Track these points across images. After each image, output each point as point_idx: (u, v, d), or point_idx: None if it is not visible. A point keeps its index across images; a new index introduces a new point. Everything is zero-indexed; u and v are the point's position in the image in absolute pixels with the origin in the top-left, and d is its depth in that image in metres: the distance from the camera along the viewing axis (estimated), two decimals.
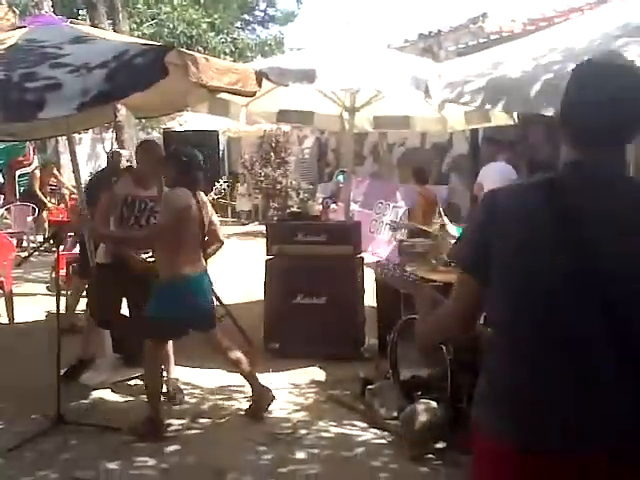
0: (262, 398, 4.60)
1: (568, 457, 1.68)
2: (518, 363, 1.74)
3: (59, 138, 12.26)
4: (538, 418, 1.70)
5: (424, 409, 4.19)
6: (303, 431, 4.40)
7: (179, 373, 5.15)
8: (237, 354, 4.58)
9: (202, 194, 4.53)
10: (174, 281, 4.29)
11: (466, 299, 1.85)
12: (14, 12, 14.37)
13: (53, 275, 7.61)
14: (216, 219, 4.75)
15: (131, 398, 5.02)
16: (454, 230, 6.20)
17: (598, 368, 1.65)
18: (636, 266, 1.63)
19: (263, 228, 6.31)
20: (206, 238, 4.56)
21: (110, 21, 8.57)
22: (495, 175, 8.12)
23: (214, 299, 4.68)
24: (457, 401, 4.08)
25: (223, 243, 4.84)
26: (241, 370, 4.60)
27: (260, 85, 5.07)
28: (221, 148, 15.45)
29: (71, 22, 5.53)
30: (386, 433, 4.35)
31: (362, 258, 6.06)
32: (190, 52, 4.89)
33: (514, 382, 1.74)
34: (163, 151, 5.13)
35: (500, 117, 6.63)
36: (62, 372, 4.74)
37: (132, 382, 5.23)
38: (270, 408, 4.68)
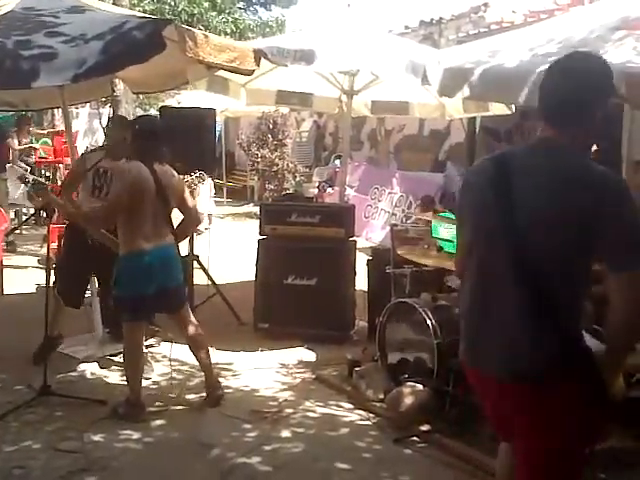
0: (213, 392, 4.49)
1: (480, 374, 2.32)
2: (465, 295, 2.34)
3: (56, 111, 12.19)
4: (465, 340, 2.36)
5: (410, 392, 4.23)
6: (289, 410, 4.42)
7: (167, 350, 5.15)
8: (202, 339, 4.48)
9: (168, 167, 4.34)
10: (131, 256, 4.18)
11: (458, 248, 2.48)
12: None
13: (44, 248, 7.58)
14: (188, 195, 4.55)
15: (117, 373, 5.01)
16: (448, 217, 6.22)
17: (504, 302, 2.15)
18: (542, 226, 2.07)
19: (257, 209, 6.28)
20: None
21: None
22: None
23: (182, 276, 4.51)
24: (443, 384, 4.11)
25: (198, 220, 4.70)
26: (200, 356, 4.49)
27: (258, 64, 5.06)
28: (218, 128, 15.37)
29: None
30: (371, 415, 4.37)
31: (354, 241, 6.05)
32: (188, 27, 4.87)
33: (462, 310, 2.39)
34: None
35: (498, 106, 6.63)
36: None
37: (119, 357, 5.22)
38: (257, 386, 4.70)
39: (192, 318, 4.48)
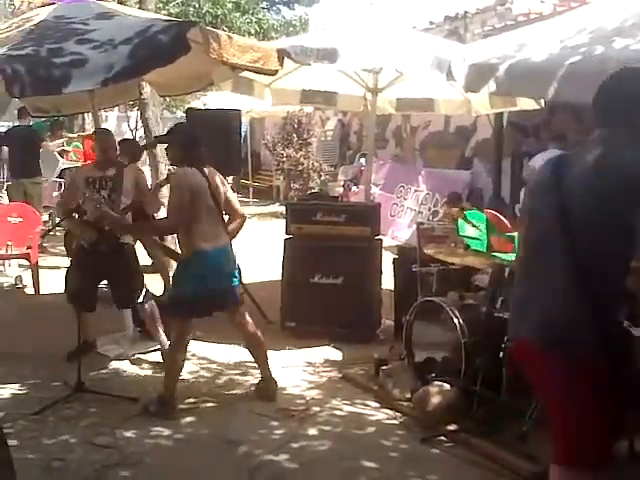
0: (268, 386, 4.61)
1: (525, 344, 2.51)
2: (518, 277, 2.59)
3: (85, 115, 12.39)
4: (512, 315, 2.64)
5: (437, 391, 4.21)
6: (316, 408, 4.44)
7: (196, 348, 5.23)
8: (259, 337, 4.61)
9: (212, 169, 4.46)
10: (191, 258, 4.31)
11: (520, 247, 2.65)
12: None
13: None
14: (231, 194, 4.69)
15: (148, 371, 5.13)
16: (475, 214, 6.19)
17: (552, 279, 2.34)
18: (591, 223, 2.23)
19: (283, 209, 6.33)
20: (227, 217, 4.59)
21: (137, 0, 8.59)
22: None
23: (238, 275, 4.61)
24: (471, 384, 4.10)
25: (245, 217, 4.79)
26: (257, 354, 4.62)
27: (282, 64, 5.09)
28: (244, 128, 15.47)
29: None
30: (398, 414, 4.37)
31: (380, 240, 6.06)
32: (212, 29, 4.92)
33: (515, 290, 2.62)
34: (114, 140, 5.32)
35: (526, 101, 6.57)
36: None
37: (150, 355, 5.33)
38: (284, 385, 4.74)
39: (247, 317, 4.58)
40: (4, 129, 10.91)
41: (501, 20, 10.19)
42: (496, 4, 10.73)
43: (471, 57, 4.69)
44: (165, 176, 5.57)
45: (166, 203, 4.50)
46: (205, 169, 4.37)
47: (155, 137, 5.74)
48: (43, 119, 9.81)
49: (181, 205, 4.24)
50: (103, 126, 6.32)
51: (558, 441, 2.43)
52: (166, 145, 4.60)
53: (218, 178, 4.46)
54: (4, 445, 3.12)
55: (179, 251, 4.67)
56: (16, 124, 10.39)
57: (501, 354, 3.93)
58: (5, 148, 10.21)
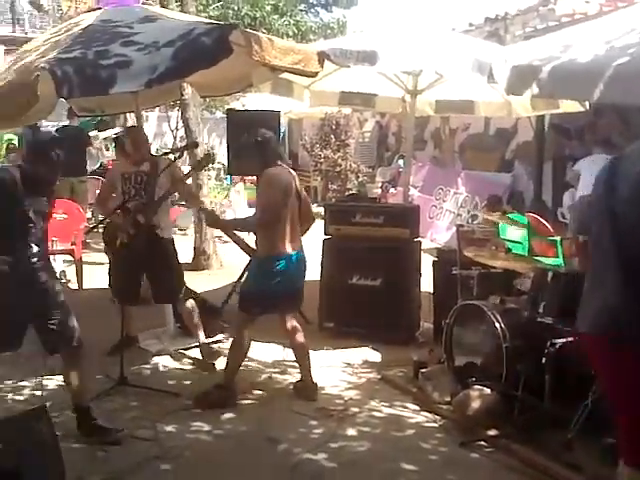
0: (307, 386, 4.65)
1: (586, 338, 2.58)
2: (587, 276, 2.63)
3: (127, 115, 12.57)
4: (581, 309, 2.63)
5: (477, 395, 4.19)
6: (355, 409, 4.45)
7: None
8: (305, 343, 4.68)
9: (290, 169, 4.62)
10: (270, 258, 4.40)
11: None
12: None
13: None
14: (306, 196, 4.82)
15: (188, 367, 5.21)
16: (516, 217, 6.12)
17: (606, 276, 2.42)
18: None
19: (321, 210, 6.35)
20: None
21: (178, 3, 8.69)
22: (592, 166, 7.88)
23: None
24: (512, 389, 4.05)
25: (314, 220, 4.84)
26: (301, 358, 4.68)
27: (322, 66, 5.10)
28: (282, 129, 15.56)
29: (142, 3, 5.68)
30: (437, 417, 4.35)
31: (419, 242, 6.03)
32: (253, 32, 4.96)
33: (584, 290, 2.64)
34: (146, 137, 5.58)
35: (568, 103, 6.47)
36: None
37: (190, 351, 5.39)
38: (323, 385, 4.76)
39: (295, 320, 4.68)
40: (52, 128, 11.17)
41: (543, 21, 10.04)
42: (538, 5, 10.57)
43: (513, 59, 4.63)
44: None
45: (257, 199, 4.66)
46: (290, 170, 4.54)
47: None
48: (88, 118, 10.00)
49: (273, 203, 4.35)
50: (144, 126, 6.44)
51: (628, 440, 2.42)
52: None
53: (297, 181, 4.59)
54: (53, 434, 3.21)
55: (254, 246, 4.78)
56: (65, 124, 10.66)
57: (543, 359, 3.89)
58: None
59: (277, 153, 4.57)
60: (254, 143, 4.56)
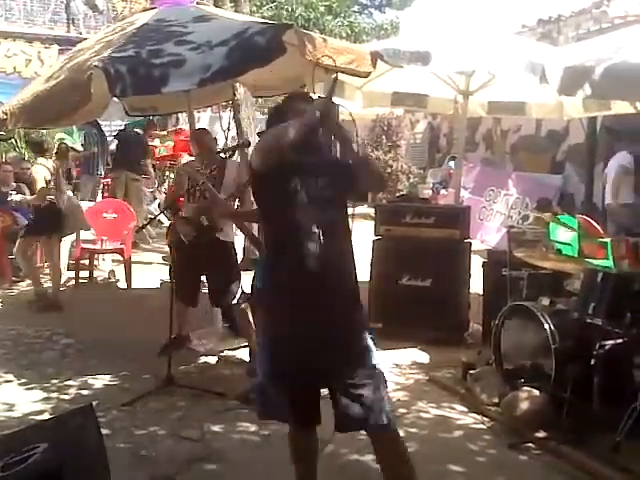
0: None
1: None
2: None
3: (179, 115, 12.80)
4: None
5: (526, 397, 4.15)
6: (402, 410, 4.42)
7: None
8: None
9: None
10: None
11: None
12: None
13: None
14: None
15: (236, 368, 5.21)
16: (567, 219, 6.03)
17: None
18: None
19: (371, 210, 6.35)
20: None
21: (232, 3, 8.78)
22: (614, 165, 7.77)
23: None
24: (561, 391, 4.00)
25: None
26: None
27: (375, 66, 5.10)
28: None
29: (197, 3, 5.75)
30: (486, 419, 4.31)
31: (469, 243, 5.98)
32: (307, 31, 4.98)
33: None
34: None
35: (621, 105, 6.35)
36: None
37: (238, 352, 5.43)
38: None
39: None
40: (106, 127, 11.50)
41: (597, 23, 9.88)
42: (591, 7, 10.40)
43: (566, 60, 4.58)
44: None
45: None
46: None
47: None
48: (139, 118, 10.24)
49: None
50: (197, 125, 6.52)
51: None
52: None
53: None
54: (99, 433, 3.26)
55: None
56: (121, 127, 10.99)
57: (593, 361, 3.83)
58: (114, 143, 10.80)
59: None
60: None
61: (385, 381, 2.82)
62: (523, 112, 7.48)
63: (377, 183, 2.68)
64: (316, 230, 2.66)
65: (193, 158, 5.88)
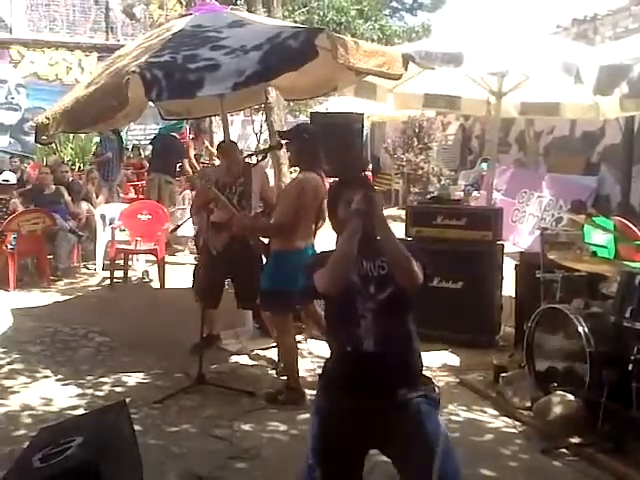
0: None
1: None
2: None
3: (212, 118, 12.93)
4: None
5: (559, 401, 4.11)
6: None
7: (313, 346, 5.33)
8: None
9: (322, 173, 4.58)
10: (287, 253, 4.42)
11: None
12: (181, 3, 15.38)
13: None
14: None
15: (266, 367, 5.26)
16: (602, 221, 5.96)
17: None
18: None
19: (402, 212, 6.34)
20: None
21: (265, 9, 8.84)
22: None
23: None
24: (596, 395, 3.95)
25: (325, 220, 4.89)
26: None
27: (406, 68, 5.09)
28: (365, 132, 15.60)
29: (231, 9, 5.82)
30: (517, 423, 4.28)
31: (502, 245, 5.93)
32: (339, 35, 5.00)
33: None
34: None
35: None
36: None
37: (267, 352, 5.46)
38: None
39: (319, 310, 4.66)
40: (139, 131, 11.68)
41: (635, 21, 9.71)
42: (630, 4, 10.21)
43: (601, 59, 4.53)
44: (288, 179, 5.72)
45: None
46: (322, 174, 4.52)
47: (277, 132, 5.86)
48: (174, 122, 10.40)
49: (296, 210, 4.37)
50: (230, 129, 6.57)
51: None
52: (286, 143, 4.72)
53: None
54: (132, 429, 3.32)
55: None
56: (161, 132, 11.14)
57: (630, 366, 3.77)
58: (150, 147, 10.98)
59: (318, 158, 4.53)
60: (299, 137, 4.55)
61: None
62: (557, 113, 7.39)
63: (409, 281, 2.58)
64: (370, 310, 2.55)
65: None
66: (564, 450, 3.87)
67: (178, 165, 10.85)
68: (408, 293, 2.61)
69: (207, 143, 13.38)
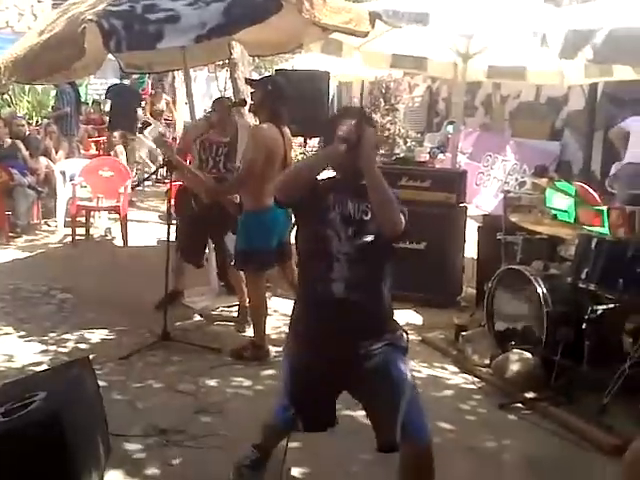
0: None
1: None
2: None
3: (175, 74, 12.69)
4: None
5: (517, 359, 4.21)
6: None
7: (278, 304, 5.37)
8: None
9: (287, 129, 4.55)
10: (259, 213, 4.40)
11: None
12: None
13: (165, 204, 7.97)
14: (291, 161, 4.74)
15: (230, 325, 5.27)
16: (564, 186, 6.04)
17: None
18: None
19: None
20: None
21: None
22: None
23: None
24: (551, 353, 4.06)
25: None
26: None
27: (373, 26, 5.07)
28: (331, 92, 15.48)
29: None
30: (476, 379, 4.38)
31: (465, 207, 6.00)
32: None
33: None
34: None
35: (624, 71, 6.29)
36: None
37: (232, 310, 5.46)
38: None
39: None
40: (100, 86, 11.40)
41: None
42: None
43: (568, 22, 4.53)
44: None
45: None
46: (283, 129, 4.46)
47: (245, 79, 5.77)
48: (136, 76, 10.21)
49: (256, 162, 4.33)
50: (192, 86, 6.46)
51: None
52: (252, 92, 4.68)
53: (289, 141, 4.56)
54: (96, 384, 3.32)
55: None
56: (117, 82, 10.86)
57: (584, 325, 3.88)
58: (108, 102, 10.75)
59: (278, 112, 4.45)
60: (263, 87, 4.49)
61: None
62: (523, 78, 7.42)
63: (391, 225, 2.53)
64: (344, 253, 2.51)
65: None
66: (520, 405, 3.99)
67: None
68: (386, 243, 2.57)
69: (169, 99, 13.13)
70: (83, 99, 11.08)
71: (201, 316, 5.45)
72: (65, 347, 4.72)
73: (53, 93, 12.35)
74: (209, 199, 4.85)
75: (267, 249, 4.42)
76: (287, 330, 2.76)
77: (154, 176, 9.85)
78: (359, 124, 2.43)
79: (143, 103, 11.92)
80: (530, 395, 4.04)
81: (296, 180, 2.52)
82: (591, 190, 7.26)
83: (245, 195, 4.59)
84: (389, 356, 2.56)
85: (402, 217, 2.48)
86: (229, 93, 10.18)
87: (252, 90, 4.71)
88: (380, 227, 2.48)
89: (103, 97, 11.60)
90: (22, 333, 4.94)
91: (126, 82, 11.01)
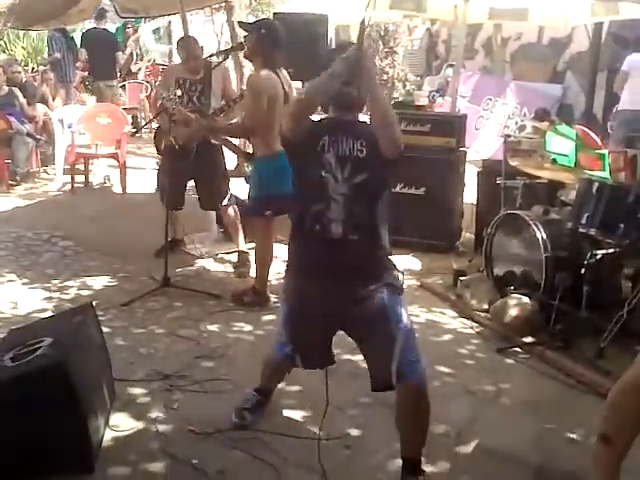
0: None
1: None
2: None
3: (172, 19, 12.47)
4: None
5: (515, 304, 4.25)
6: None
7: (280, 250, 5.37)
8: None
9: (284, 72, 4.49)
10: (271, 159, 4.37)
11: None
12: None
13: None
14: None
15: (230, 270, 5.32)
16: (564, 129, 6.01)
17: None
18: None
19: (366, 118, 6.29)
20: None
21: None
22: None
23: None
24: (550, 298, 4.10)
25: None
26: None
27: None
28: (330, 36, 15.23)
29: None
30: (475, 324, 4.43)
31: (465, 152, 5.96)
32: None
33: None
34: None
35: (631, 8, 6.13)
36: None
37: (232, 256, 5.50)
38: None
39: None
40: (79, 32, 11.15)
41: None
42: None
43: None
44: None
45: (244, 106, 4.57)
46: (280, 73, 4.40)
47: (239, 22, 5.66)
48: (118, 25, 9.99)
49: (259, 109, 4.28)
50: (189, 29, 6.37)
51: None
52: (245, 36, 4.60)
53: (288, 84, 4.48)
54: (99, 330, 3.36)
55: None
56: (92, 27, 10.60)
57: (583, 270, 3.90)
58: (84, 50, 10.50)
59: (272, 56, 4.37)
60: (256, 31, 4.39)
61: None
62: (525, 18, 7.28)
63: (392, 143, 2.51)
64: (340, 194, 2.52)
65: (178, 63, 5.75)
66: (518, 349, 4.04)
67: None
68: (383, 180, 2.61)
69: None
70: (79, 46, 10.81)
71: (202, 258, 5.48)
72: (68, 294, 4.76)
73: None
74: (216, 139, 4.87)
75: (283, 194, 4.40)
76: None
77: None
78: (360, 35, 2.42)
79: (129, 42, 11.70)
80: (528, 339, 4.09)
81: (308, 107, 2.52)
82: (592, 133, 7.22)
83: (256, 143, 4.56)
84: (386, 297, 2.61)
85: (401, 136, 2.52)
86: (226, 37, 10.01)
87: (245, 34, 4.62)
88: (382, 147, 2.50)
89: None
90: (25, 280, 4.99)
91: (103, 27, 10.70)
